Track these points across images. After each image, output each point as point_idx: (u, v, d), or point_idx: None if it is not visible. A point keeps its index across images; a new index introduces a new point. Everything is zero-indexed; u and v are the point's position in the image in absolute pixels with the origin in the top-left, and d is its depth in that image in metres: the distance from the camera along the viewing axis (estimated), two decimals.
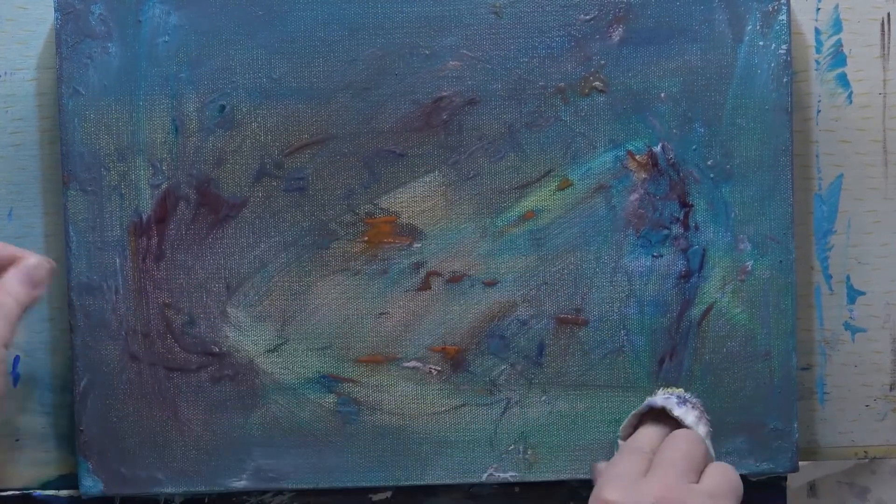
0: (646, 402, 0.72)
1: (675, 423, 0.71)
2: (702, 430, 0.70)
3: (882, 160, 0.78)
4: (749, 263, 0.75)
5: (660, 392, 0.73)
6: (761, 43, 0.74)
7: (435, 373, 0.76)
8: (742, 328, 0.76)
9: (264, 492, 0.77)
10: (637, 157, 0.75)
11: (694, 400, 0.72)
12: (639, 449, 0.69)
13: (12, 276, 0.68)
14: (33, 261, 0.69)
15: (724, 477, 0.67)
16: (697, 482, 0.67)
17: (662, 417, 0.71)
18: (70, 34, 0.74)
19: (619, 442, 0.72)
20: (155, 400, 0.75)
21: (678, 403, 0.71)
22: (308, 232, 0.75)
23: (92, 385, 0.75)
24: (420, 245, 0.75)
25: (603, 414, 0.76)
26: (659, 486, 0.65)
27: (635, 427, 0.72)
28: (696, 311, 0.75)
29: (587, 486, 0.74)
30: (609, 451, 0.73)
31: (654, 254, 0.75)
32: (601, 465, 0.71)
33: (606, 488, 0.65)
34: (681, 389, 0.74)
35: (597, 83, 0.75)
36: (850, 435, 0.79)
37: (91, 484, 0.75)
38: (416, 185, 0.75)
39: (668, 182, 0.75)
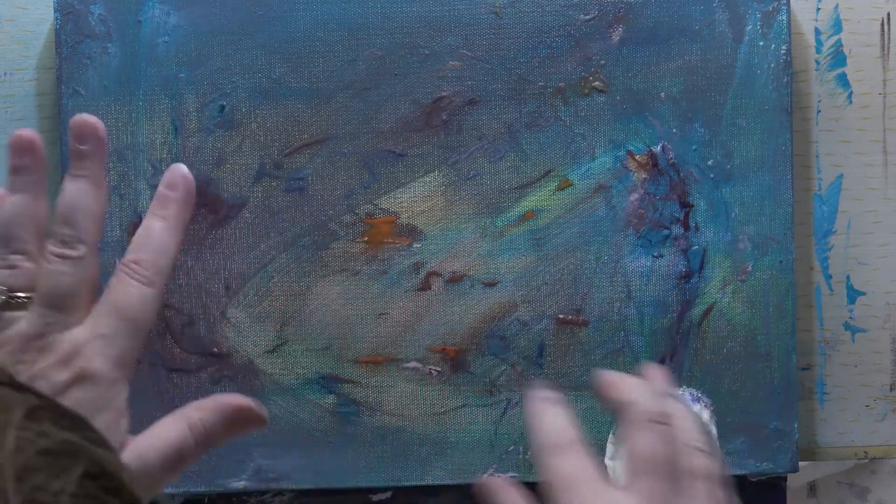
0: None
1: None
2: (713, 430, 0.70)
3: (882, 160, 0.78)
4: (749, 264, 0.75)
5: None
6: (761, 43, 0.74)
7: (435, 373, 0.75)
8: (742, 328, 0.75)
9: (264, 492, 0.77)
10: (637, 157, 0.75)
11: (706, 399, 0.72)
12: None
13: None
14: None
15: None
16: None
17: None
18: (70, 34, 0.73)
19: (609, 440, 0.71)
20: (155, 400, 0.75)
21: (692, 401, 0.71)
22: (308, 232, 0.75)
23: None
24: (420, 245, 0.75)
25: (603, 415, 0.76)
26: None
27: None
28: (696, 312, 0.75)
29: None
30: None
31: (655, 254, 0.75)
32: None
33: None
34: (691, 389, 0.74)
35: (597, 83, 0.75)
36: (850, 435, 0.79)
37: None
38: (416, 185, 0.75)
39: (669, 182, 0.75)
